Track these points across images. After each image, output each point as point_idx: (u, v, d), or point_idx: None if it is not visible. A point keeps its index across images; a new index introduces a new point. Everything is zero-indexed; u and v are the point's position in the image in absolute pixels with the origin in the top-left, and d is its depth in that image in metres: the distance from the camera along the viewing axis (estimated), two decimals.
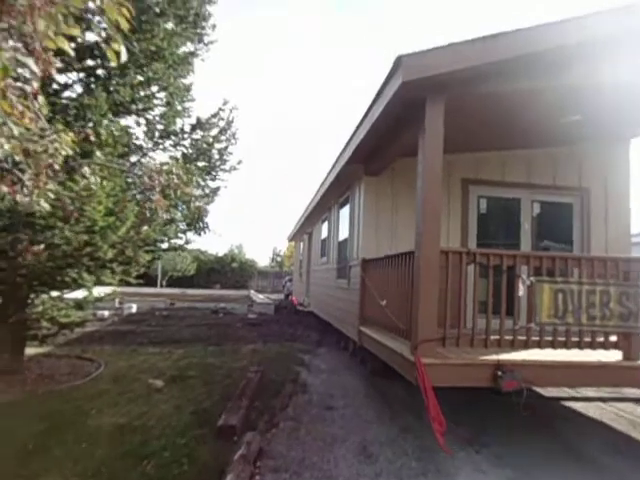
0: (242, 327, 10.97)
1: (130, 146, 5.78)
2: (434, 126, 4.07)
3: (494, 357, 3.95)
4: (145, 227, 5.62)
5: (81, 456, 3.44)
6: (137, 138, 6.09)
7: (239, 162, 7.25)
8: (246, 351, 7.74)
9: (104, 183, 4.79)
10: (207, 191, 7.06)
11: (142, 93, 5.45)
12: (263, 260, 40.59)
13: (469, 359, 3.94)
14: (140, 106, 5.56)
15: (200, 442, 3.74)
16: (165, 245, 7.33)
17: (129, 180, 5.48)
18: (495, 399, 4.69)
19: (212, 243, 67.89)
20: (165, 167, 4.27)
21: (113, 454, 3.48)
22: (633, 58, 4.20)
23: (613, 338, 4.28)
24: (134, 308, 13.50)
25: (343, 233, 8.25)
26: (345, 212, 8.14)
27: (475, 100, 4.68)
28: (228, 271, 33.81)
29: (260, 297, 20.13)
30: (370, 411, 4.91)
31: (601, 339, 4.27)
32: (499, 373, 3.84)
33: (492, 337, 4.20)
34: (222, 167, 7.00)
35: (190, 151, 6.44)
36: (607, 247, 6.82)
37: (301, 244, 17.39)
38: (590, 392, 5.56)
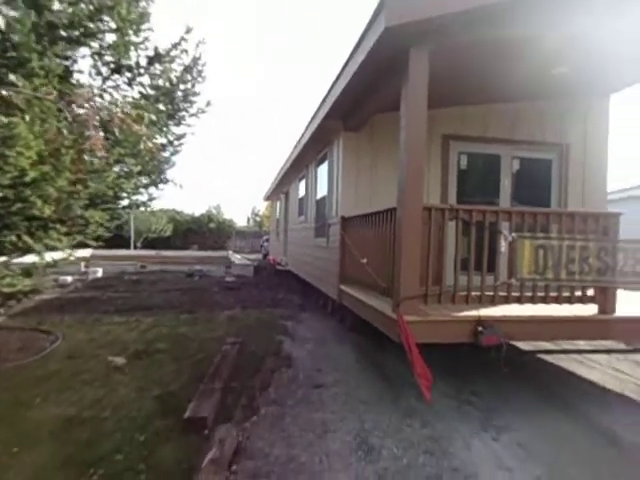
0: (219, 292, 10.19)
1: (70, 80, 4.73)
2: (418, 77, 3.88)
3: (475, 313, 3.95)
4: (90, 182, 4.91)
5: (6, 467, 2.71)
6: (81, 72, 5.04)
7: (208, 104, 6.25)
8: (223, 319, 7.06)
9: (34, 120, 3.83)
10: (171, 138, 6.16)
11: (83, 13, 4.33)
12: (242, 220, 39.93)
13: (450, 315, 3.94)
14: (82, 31, 4.47)
15: (163, 439, 3.10)
16: (124, 202, 6.44)
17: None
18: (475, 357, 4.80)
19: (189, 203, 66.20)
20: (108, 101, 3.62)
21: (51, 461, 2.79)
22: (618, 7, 4.05)
23: (590, 292, 4.34)
24: (100, 272, 12.61)
25: (321, 191, 8.08)
26: (323, 169, 7.94)
27: (460, 50, 4.49)
28: (206, 232, 33.32)
29: (238, 258, 19.39)
30: (364, 389, 4.32)
31: (579, 294, 4.31)
32: (480, 329, 3.86)
33: (473, 293, 4.19)
34: (188, 109, 6.06)
35: (149, 91, 5.52)
36: (584, 204, 6.86)
37: (278, 203, 17.15)
38: (567, 345, 5.71)
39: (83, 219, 5.21)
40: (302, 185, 10.54)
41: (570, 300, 4.29)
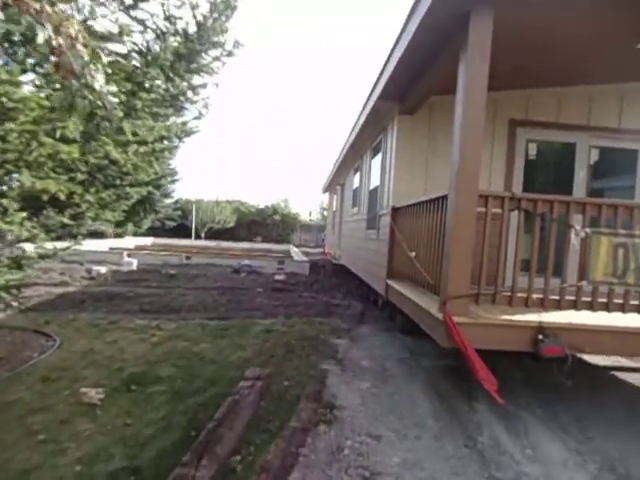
0: (264, 293, 8.55)
1: None
2: (479, 42, 3.38)
3: (536, 318, 3.41)
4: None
5: None
6: None
7: (236, 45, 4.82)
8: (259, 331, 5.50)
9: None
10: (184, 86, 4.65)
11: None
12: (310, 213, 38.88)
13: (506, 319, 3.42)
14: None
15: None
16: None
17: None
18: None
19: (258, 195, 66.71)
20: None
21: None
22: None
23: None
24: (134, 264, 11.42)
25: (374, 181, 7.65)
26: (377, 158, 7.50)
27: (530, 17, 3.91)
28: (270, 224, 32.57)
29: (298, 252, 17.68)
30: None
31: None
32: (540, 337, 3.33)
33: (535, 296, 3.65)
34: (207, 50, 4.54)
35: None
36: None
37: (335, 196, 16.84)
38: None
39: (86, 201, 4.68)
40: (357, 175, 10.14)
41: None
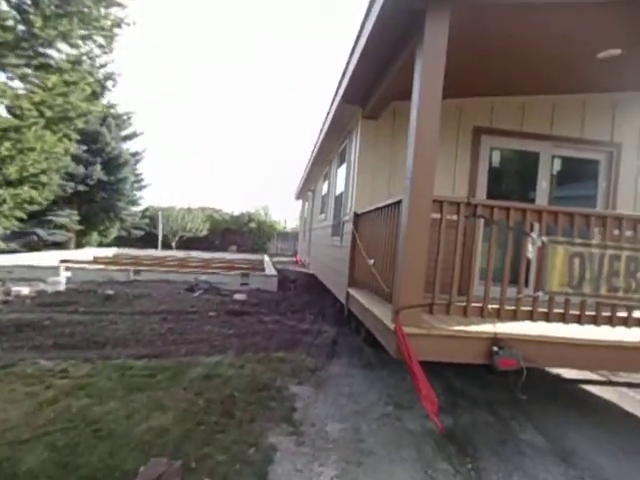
0: (217, 317, 6.84)
1: None
2: (435, 43, 3.25)
3: (491, 329, 3.28)
4: None
5: None
6: None
7: None
8: (196, 376, 4.08)
9: None
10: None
11: None
12: (291, 222, 36.07)
13: (460, 330, 3.27)
14: None
15: None
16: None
17: None
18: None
19: (234, 203, 64.55)
20: None
21: None
22: None
23: (638, 314, 3.57)
24: (62, 283, 9.07)
25: (340, 186, 7.51)
26: (343, 164, 7.37)
27: (490, 21, 3.83)
28: (245, 232, 30.97)
29: (269, 264, 15.06)
30: None
31: (623, 314, 3.56)
32: (495, 348, 3.20)
33: (490, 306, 3.52)
34: None
35: None
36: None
37: (306, 203, 16.69)
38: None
39: None
40: (326, 182, 10.00)
41: (611, 321, 3.55)
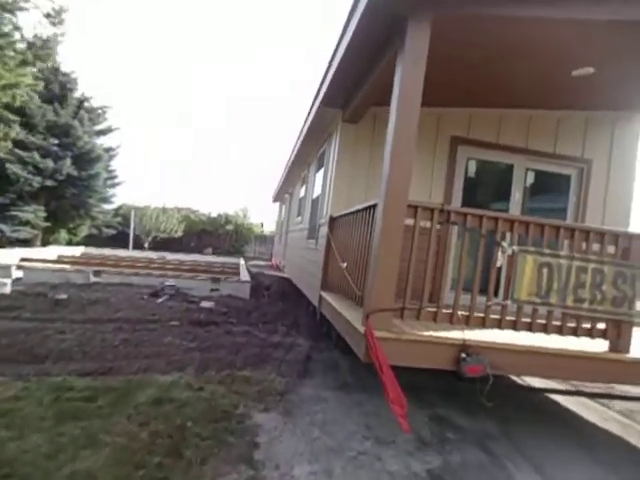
0: (179, 327, 6.09)
1: None
2: (416, 48, 3.28)
3: (459, 335, 3.30)
4: None
5: None
6: None
7: None
8: (145, 400, 3.47)
9: None
10: None
11: None
12: (269, 225, 34.40)
13: (429, 336, 3.29)
14: None
15: None
16: None
17: None
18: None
19: (211, 205, 62.87)
20: None
21: None
22: None
23: (601, 326, 3.65)
24: (7, 286, 7.81)
25: (317, 190, 7.50)
26: (322, 167, 7.37)
27: (470, 30, 3.89)
28: (222, 234, 29.96)
29: (244, 268, 14.24)
30: None
31: (587, 325, 3.63)
32: (463, 355, 3.22)
33: (460, 313, 3.54)
34: None
35: None
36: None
37: (283, 205, 16.63)
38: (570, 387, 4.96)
39: None
40: (304, 185, 9.98)
41: (576, 332, 3.61)
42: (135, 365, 4.33)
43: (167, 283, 9.38)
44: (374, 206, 3.60)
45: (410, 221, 3.44)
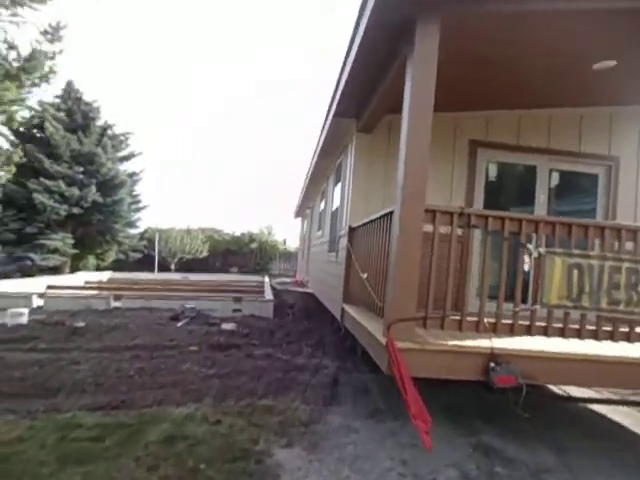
0: (198, 352, 5.82)
1: None
2: (425, 50, 3.20)
3: (487, 344, 3.13)
4: None
5: None
6: None
7: None
8: (156, 438, 3.13)
9: None
10: None
11: None
12: (292, 241, 33.81)
13: (455, 345, 3.13)
14: None
15: None
16: None
17: None
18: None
19: (235, 224, 63.42)
20: None
21: None
22: None
23: None
24: (24, 316, 7.63)
25: (337, 201, 7.43)
26: (340, 179, 7.31)
27: (481, 30, 3.79)
28: (246, 252, 29.82)
29: (268, 286, 13.77)
30: None
31: (625, 329, 3.42)
32: (492, 365, 3.05)
33: (486, 320, 3.39)
34: None
35: None
36: None
37: (305, 221, 16.63)
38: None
39: None
40: (323, 198, 9.94)
41: (612, 336, 3.40)
42: (150, 397, 4.04)
43: (187, 305, 9.13)
44: (391, 213, 3.50)
45: (429, 227, 3.34)
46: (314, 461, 2.92)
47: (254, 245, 30.36)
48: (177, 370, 4.91)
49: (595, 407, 4.38)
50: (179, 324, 7.82)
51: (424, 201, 3.20)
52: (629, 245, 3.47)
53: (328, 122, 6.15)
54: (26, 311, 7.71)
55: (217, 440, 3.13)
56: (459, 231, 3.44)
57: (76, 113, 20.59)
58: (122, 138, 22.93)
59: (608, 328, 3.40)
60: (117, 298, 9.68)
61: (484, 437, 3.42)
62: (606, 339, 3.39)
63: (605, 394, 4.64)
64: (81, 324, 7.34)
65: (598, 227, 3.45)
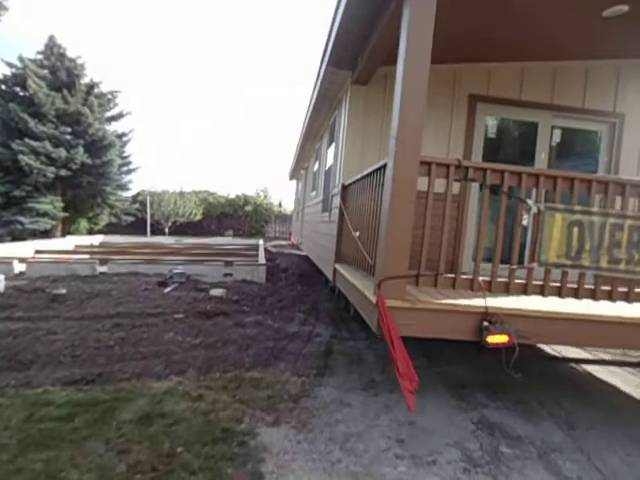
0: (184, 320, 5.50)
1: None
2: None
3: (481, 303, 3.01)
4: None
5: None
6: None
7: None
8: (134, 414, 2.90)
9: None
10: None
11: None
12: (288, 204, 33.27)
13: (447, 304, 3.00)
14: None
15: None
16: None
17: None
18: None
19: (230, 186, 61.85)
20: None
21: None
22: None
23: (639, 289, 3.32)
24: (1, 283, 7.02)
25: (330, 159, 7.19)
26: (333, 135, 7.04)
27: None
28: (241, 215, 29.53)
29: (262, 249, 13.52)
30: None
31: (624, 289, 3.30)
32: (485, 324, 2.94)
33: (481, 279, 3.26)
34: None
35: None
36: None
37: (300, 182, 16.34)
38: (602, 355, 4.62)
39: None
40: (317, 158, 9.67)
41: (611, 296, 3.29)
42: (129, 369, 3.77)
43: (176, 271, 8.61)
44: (384, 166, 3.30)
45: (424, 186, 3.15)
46: (302, 442, 2.69)
47: (249, 208, 29.99)
48: (160, 340, 4.62)
49: (588, 368, 4.34)
50: (166, 290, 7.47)
51: (419, 152, 2.99)
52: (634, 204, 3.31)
53: (322, 73, 5.84)
54: (2, 277, 7.15)
55: (198, 419, 2.88)
56: (456, 191, 3.26)
57: (60, 70, 19.79)
58: (109, 97, 22.17)
59: (606, 288, 3.29)
60: (103, 263, 9.25)
61: (488, 412, 3.28)
62: (604, 299, 3.27)
63: (598, 356, 4.60)
64: (62, 291, 6.87)
65: (602, 182, 3.27)
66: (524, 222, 3.21)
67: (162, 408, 2.99)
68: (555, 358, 4.36)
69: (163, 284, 7.87)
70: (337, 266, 5.26)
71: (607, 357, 4.53)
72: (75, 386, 3.32)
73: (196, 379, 3.54)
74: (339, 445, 2.68)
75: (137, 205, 25.40)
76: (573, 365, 4.37)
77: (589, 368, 4.28)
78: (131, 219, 24.48)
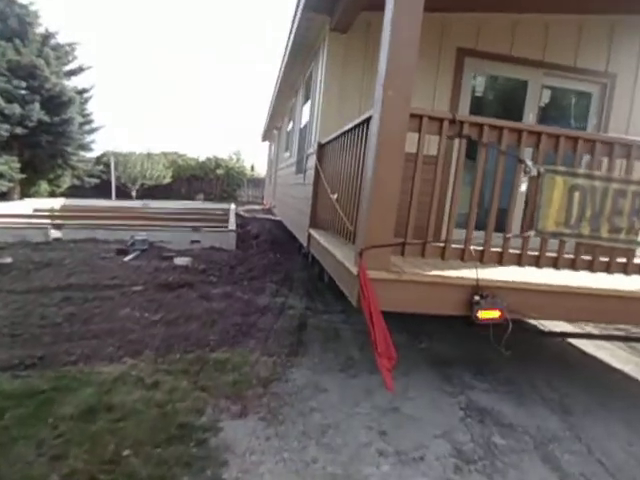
0: (144, 292, 4.95)
1: None
2: None
3: (472, 275, 2.71)
4: None
5: None
6: None
7: None
8: (77, 407, 2.42)
9: None
10: None
11: None
12: (261, 167, 31.98)
13: (435, 276, 2.69)
14: None
15: None
16: None
17: None
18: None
19: (202, 149, 59.19)
20: None
21: None
22: None
23: (638, 260, 3.09)
24: None
25: (305, 117, 6.70)
26: (310, 91, 6.53)
27: None
28: (213, 179, 28.43)
29: (233, 214, 12.51)
30: None
31: (622, 260, 3.07)
32: (476, 298, 2.65)
33: (473, 248, 2.96)
34: None
35: None
36: None
37: (273, 143, 15.71)
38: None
39: None
40: (291, 117, 9.12)
41: (609, 268, 3.05)
42: (77, 350, 3.25)
43: (138, 237, 7.81)
44: (368, 120, 2.90)
45: (411, 140, 2.77)
46: (272, 437, 2.31)
47: (220, 171, 28.86)
48: (115, 316, 4.10)
49: (574, 341, 4.18)
50: (126, 259, 6.80)
51: (409, 104, 2.60)
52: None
53: (297, 18, 5.27)
54: None
55: (151, 411, 2.45)
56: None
57: (9, 17, 17.96)
58: (67, 49, 20.41)
59: (605, 259, 3.04)
60: (58, 228, 8.39)
61: (477, 396, 3.01)
62: (602, 271, 3.04)
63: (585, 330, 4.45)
64: (7, 260, 6.12)
65: (606, 142, 2.96)
66: (522, 186, 2.90)
67: (110, 399, 2.55)
68: (542, 332, 4.16)
69: (123, 252, 7.17)
70: (312, 231, 4.90)
71: (595, 331, 4.38)
72: (11, 372, 2.81)
73: (153, 362, 3.10)
74: (314, 440, 2.33)
75: (101, 167, 24.02)
76: (560, 339, 4.20)
77: (576, 342, 4.13)
78: (95, 181, 23.16)
